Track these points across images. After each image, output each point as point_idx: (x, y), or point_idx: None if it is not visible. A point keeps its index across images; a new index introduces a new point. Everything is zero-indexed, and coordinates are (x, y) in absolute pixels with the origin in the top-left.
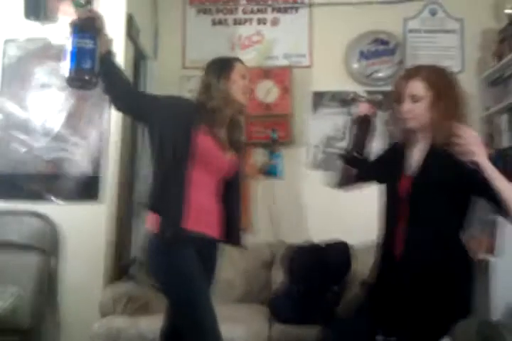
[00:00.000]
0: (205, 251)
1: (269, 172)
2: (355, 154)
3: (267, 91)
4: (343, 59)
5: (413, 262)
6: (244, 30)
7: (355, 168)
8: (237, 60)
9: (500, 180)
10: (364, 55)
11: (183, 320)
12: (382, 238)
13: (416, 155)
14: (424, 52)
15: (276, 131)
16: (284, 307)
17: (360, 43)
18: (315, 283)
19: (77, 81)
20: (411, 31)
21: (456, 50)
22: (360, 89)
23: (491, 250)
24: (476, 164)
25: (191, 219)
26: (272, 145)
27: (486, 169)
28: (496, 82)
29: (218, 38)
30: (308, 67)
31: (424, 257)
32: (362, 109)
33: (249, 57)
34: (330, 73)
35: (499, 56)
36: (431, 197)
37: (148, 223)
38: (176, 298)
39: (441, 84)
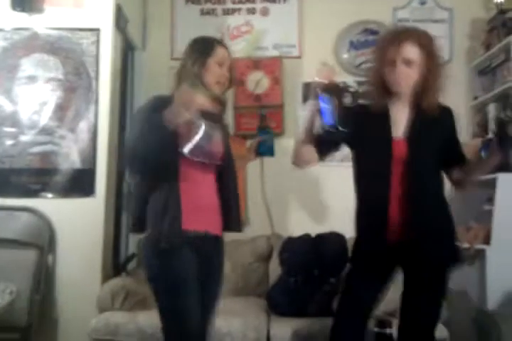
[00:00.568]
0: (208, 250)
1: (261, 152)
2: (340, 129)
3: (257, 82)
4: (333, 49)
5: (415, 218)
6: (233, 20)
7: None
8: (220, 44)
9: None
10: (354, 45)
11: (167, 326)
12: (370, 198)
13: (400, 117)
14: None
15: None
16: (281, 300)
17: (350, 33)
18: (311, 274)
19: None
20: (400, 21)
21: (445, 39)
22: (350, 80)
23: (486, 240)
24: None
25: (191, 219)
26: (261, 123)
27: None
28: (484, 72)
29: (207, 28)
30: (298, 57)
31: (424, 210)
32: (323, 75)
33: (238, 48)
34: (320, 63)
35: (488, 45)
36: (424, 156)
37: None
38: (163, 304)
39: (430, 49)
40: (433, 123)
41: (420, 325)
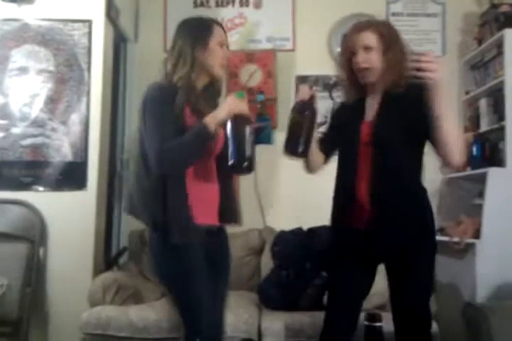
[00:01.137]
0: (215, 241)
1: (259, 140)
2: (299, 154)
3: (251, 75)
4: (327, 42)
5: (381, 201)
6: (226, 13)
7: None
8: (216, 22)
9: (447, 119)
10: None
11: (188, 321)
12: (340, 182)
13: (373, 105)
14: (406, 35)
15: (263, 92)
16: (273, 294)
17: (343, 27)
18: (303, 268)
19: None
20: (393, 14)
21: (437, 33)
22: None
23: (477, 234)
24: (432, 83)
25: (199, 212)
26: (261, 109)
27: (436, 93)
28: (476, 66)
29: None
30: (292, 50)
31: (387, 194)
32: (301, 93)
33: (232, 40)
34: (313, 57)
35: (480, 40)
36: (390, 137)
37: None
38: (181, 300)
39: (390, 36)
40: (400, 103)
41: (410, 315)
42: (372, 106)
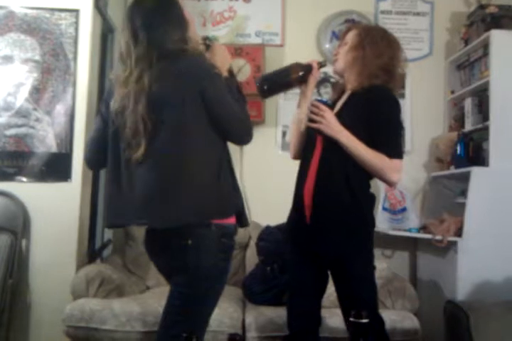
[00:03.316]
0: None
1: None
2: (264, 87)
3: (239, 69)
4: (316, 39)
5: (321, 194)
6: (216, 6)
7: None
8: None
9: (355, 149)
10: (336, 35)
11: (205, 317)
12: (297, 179)
13: (339, 105)
14: (395, 33)
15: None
16: (257, 289)
17: (332, 23)
18: (287, 263)
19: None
20: (382, 12)
21: (425, 32)
22: (331, 70)
23: (459, 232)
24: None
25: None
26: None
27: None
28: (462, 66)
29: (190, 13)
30: (281, 45)
31: (322, 192)
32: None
33: (221, 34)
34: (302, 53)
35: (467, 40)
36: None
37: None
38: (211, 304)
39: (368, 36)
40: (353, 104)
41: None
42: (338, 106)
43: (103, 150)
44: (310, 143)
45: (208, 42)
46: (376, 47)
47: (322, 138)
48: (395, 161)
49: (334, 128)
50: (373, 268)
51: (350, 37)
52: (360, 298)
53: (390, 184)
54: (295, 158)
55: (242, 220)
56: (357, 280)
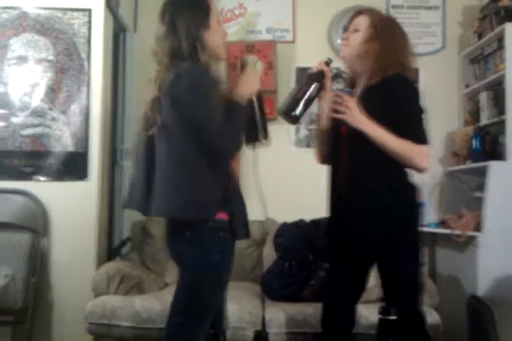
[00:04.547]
0: None
1: None
2: (292, 114)
3: (252, 66)
4: (327, 34)
5: (355, 186)
6: (226, 3)
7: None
8: None
9: (381, 138)
10: None
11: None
12: (329, 176)
13: (356, 92)
14: (407, 28)
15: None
16: (275, 285)
17: (343, 19)
18: (306, 259)
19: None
20: (394, 7)
21: (437, 26)
22: (343, 65)
23: (478, 227)
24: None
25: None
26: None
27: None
28: (476, 60)
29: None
30: (292, 42)
31: (356, 184)
32: (314, 66)
33: (231, 31)
34: (313, 49)
35: (480, 33)
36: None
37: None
38: (215, 291)
39: (384, 28)
40: (369, 98)
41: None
42: (356, 94)
43: None
44: (335, 143)
45: (242, 64)
46: (393, 41)
47: (347, 137)
48: (423, 147)
49: (359, 118)
50: (420, 265)
51: (363, 25)
52: (403, 296)
53: (421, 170)
54: (323, 162)
55: (246, 231)
56: (402, 278)
